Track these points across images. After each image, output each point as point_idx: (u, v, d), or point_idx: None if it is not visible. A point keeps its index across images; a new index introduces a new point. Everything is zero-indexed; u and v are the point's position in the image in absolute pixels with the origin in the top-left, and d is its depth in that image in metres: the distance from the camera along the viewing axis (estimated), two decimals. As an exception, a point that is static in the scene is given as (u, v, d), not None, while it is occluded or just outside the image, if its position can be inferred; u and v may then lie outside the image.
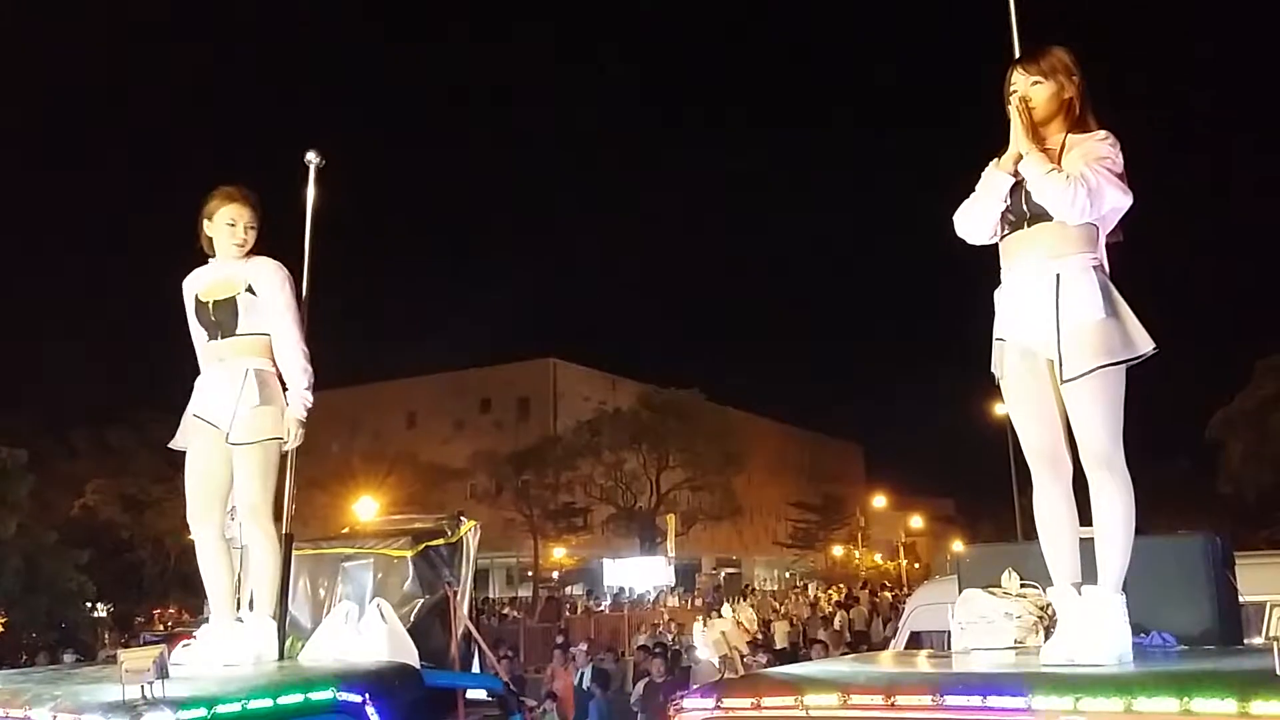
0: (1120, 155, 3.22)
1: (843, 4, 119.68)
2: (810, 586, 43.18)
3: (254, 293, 4.15)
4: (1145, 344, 3.16)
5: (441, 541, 4.52)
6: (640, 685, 12.31)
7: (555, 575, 45.04)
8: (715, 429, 43.69)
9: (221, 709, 2.95)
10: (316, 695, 3.27)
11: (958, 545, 35.32)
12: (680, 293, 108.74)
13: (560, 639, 17.59)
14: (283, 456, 4.20)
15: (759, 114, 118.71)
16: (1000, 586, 3.56)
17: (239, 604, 4.17)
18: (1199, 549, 3.50)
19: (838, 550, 58.18)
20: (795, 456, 66.87)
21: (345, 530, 5.68)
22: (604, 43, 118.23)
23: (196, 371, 4.27)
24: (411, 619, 4.28)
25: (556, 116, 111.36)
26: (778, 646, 17.24)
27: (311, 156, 4.59)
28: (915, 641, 6.41)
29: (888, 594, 33.40)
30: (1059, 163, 3.21)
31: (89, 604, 25.59)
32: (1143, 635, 3.24)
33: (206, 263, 4.31)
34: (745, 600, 30.51)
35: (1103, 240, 3.28)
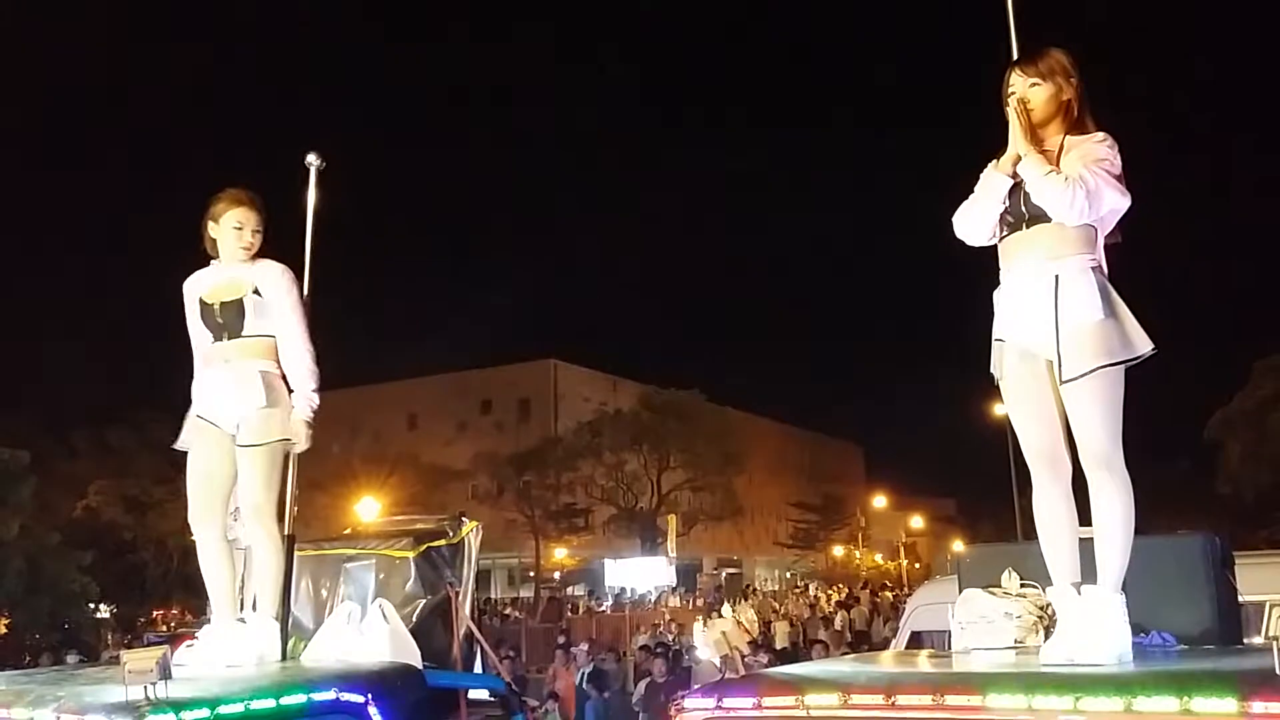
0: (1118, 157, 3.23)
1: (843, 4, 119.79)
2: (811, 586, 43.21)
3: (260, 295, 4.17)
4: (1144, 345, 3.17)
5: (443, 542, 4.53)
6: (642, 685, 12.33)
7: (557, 576, 45.06)
8: (716, 429, 43.69)
9: (224, 709, 2.96)
10: (319, 696, 3.28)
11: (958, 545, 35.36)
12: (680, 293, 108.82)
13: (562, 639, 17.60)
14: (286, 458, 4.21)
15: (759, 114, 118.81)
16: (1000, 586, 3.57)
17: (241, 604, 4.18)
18: (1198, 549, 3.51)
19: (838, 550, 58.17)
20: (795, 457, 66.86)
21: (347, 531, 5.69)
22: (604, 43, 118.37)
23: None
24: (414, 619, 4.28)
25: (556, 116, 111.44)
26: (778, 647, 17.25)
27: (312, 159, 4.60)
28: (916, 641, 6.41)
29: (889, 594, 33.41)
30: (1057, 164, 3.22)
31: (92, 605, 25.60)
32: (1142, 635, 3.24)
33: (208, 264, 4.32)
34: (746, 600, 30.51)
35: (1101, 241, 3.30)
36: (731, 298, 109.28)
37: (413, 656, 4.01)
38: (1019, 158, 3.27)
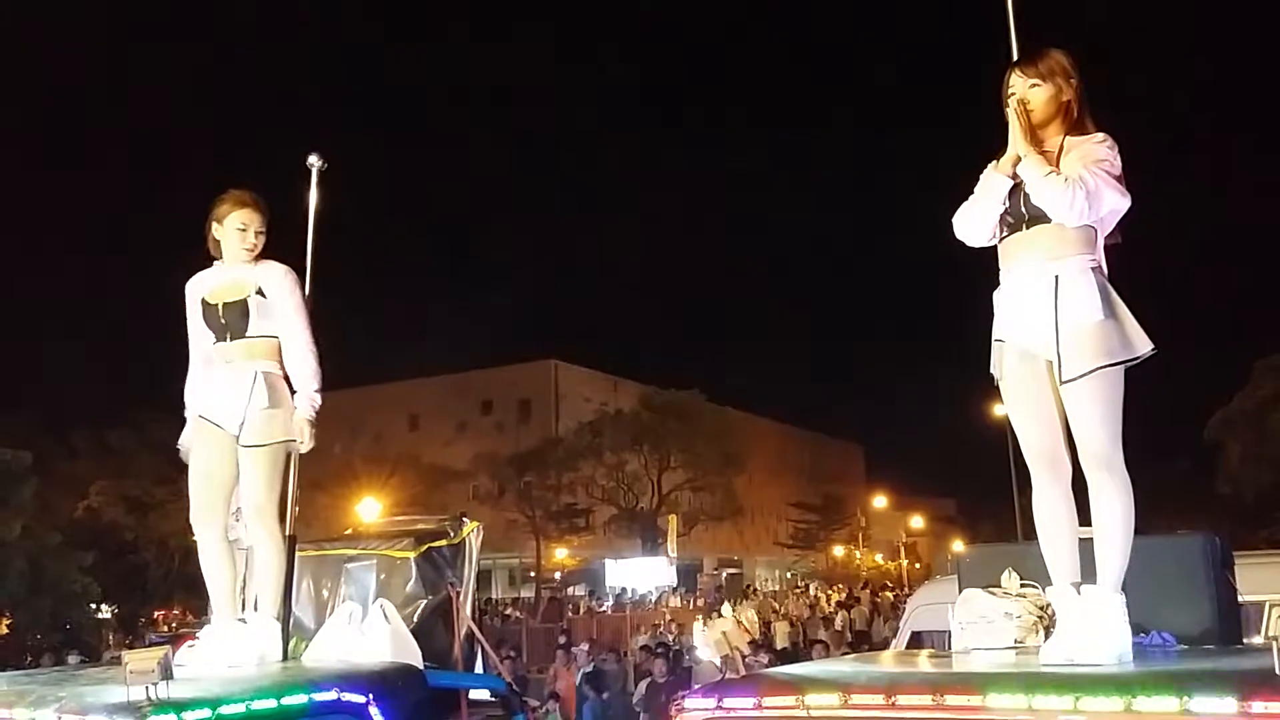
0: (1118, 157, 3.23)
1: (843, 4, 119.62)
2: (811, 587, 43.20)
3: (264, 295, 4.18)
4: (1144, 345, 3.18)
5: (444, 542, 4.53)
6: (642, 685, 12.34)
7: (557, 576, 45.04)
8: (716, 430, 43.69)
9: (226, 710, 2.97)
10: (320, 696, 3.28)
11: (958, 545, 35.35)
12: (680, 293, 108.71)
13: (563, 639, 17.60)
14: (288, 458, 4.22)
15: (759, 114, 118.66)
16: (1000, 586, 3.57)
17: (243, 605, 4.19)
18: (1198, 549, 3.51)
19: (839, 550, 58.15)
20: (796, 457, 66.86)
21: (348, 531, 5.70)
22: (604, 43, 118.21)
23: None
24: (414, 620, 4.29)
25: (556, 116, 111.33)
26: (778, 647, 17.24)
27: (314, 160, 4.61)
28: (916, 641, 6.42)
29: (889, 594, 33.41)
30: (1057, 165, 3.22)
31: (93, 606, 25.60)
32: (1142, 635, 3.25)
33: (210, 264, 4.33)
34: (746, 601, 30.50)
35: (1101, 242, 3.30)
36: (731, 298, 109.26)
37: (414, 657, 4.01)
38: (1019, 158, 3.27)
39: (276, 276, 4.24)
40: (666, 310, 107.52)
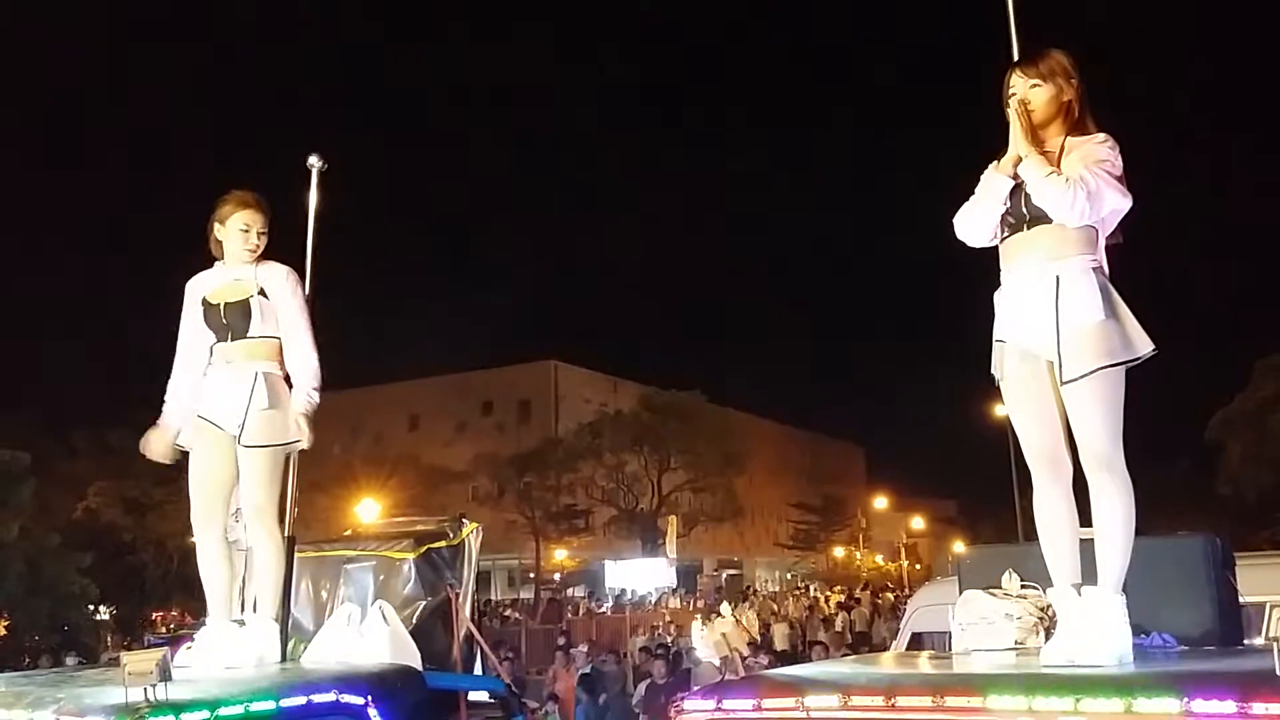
0: (1119, 158, 3.23)
1: (843, 4, 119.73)
2: (812, 587, 43.19)
3: (266, 296, 4.19)
4: (1145, 345, 3.17)
5: (443, 544, 4.53)
6: (642, 687, 12.33)
7: (557, 577, 45.02)
8: (716, 430, 43.69)
9: (224, 711, 2.97)
10: (319, 697, 3.28)
11: (959, 546, 35.35)
12: (680, 293, 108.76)
13: (562, 640, 17.59)
14: (287, 459, 4.22)
15: (759, 114, 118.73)
16: (1001, 588, 3.57)
17: (243, 606, 4.18)
18: (1199, 550, 3.51)
19: (839, 551, 58.16)
20: (796, 457, 66.86)
21: (347, 532, 5.70)
22: (604, 43, 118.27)
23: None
24: (414, 621, 4.29)
25: (556, 116, 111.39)
26: (778, 649, 17.23)
27: (314, 160, 4.61)
28: (916, 643, 6.41)
29: (890, 595, 33.39)
30: (1058, 165, 3.22)
31: (91, 607, 25.56)
32: (1143, 636, 3.24)
33: (211, 264, 4.33)
34: (746, 602, 30.48)
35: (1102, 242, 3.30)
36: (731, 298, 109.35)
37: (413, 658, 4.01)
38: (1020, 159, 3.27)
39: (279, 277, 4.25)
40: (666, 310, 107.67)
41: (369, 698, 3.36)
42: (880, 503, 60.79)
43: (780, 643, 18.82)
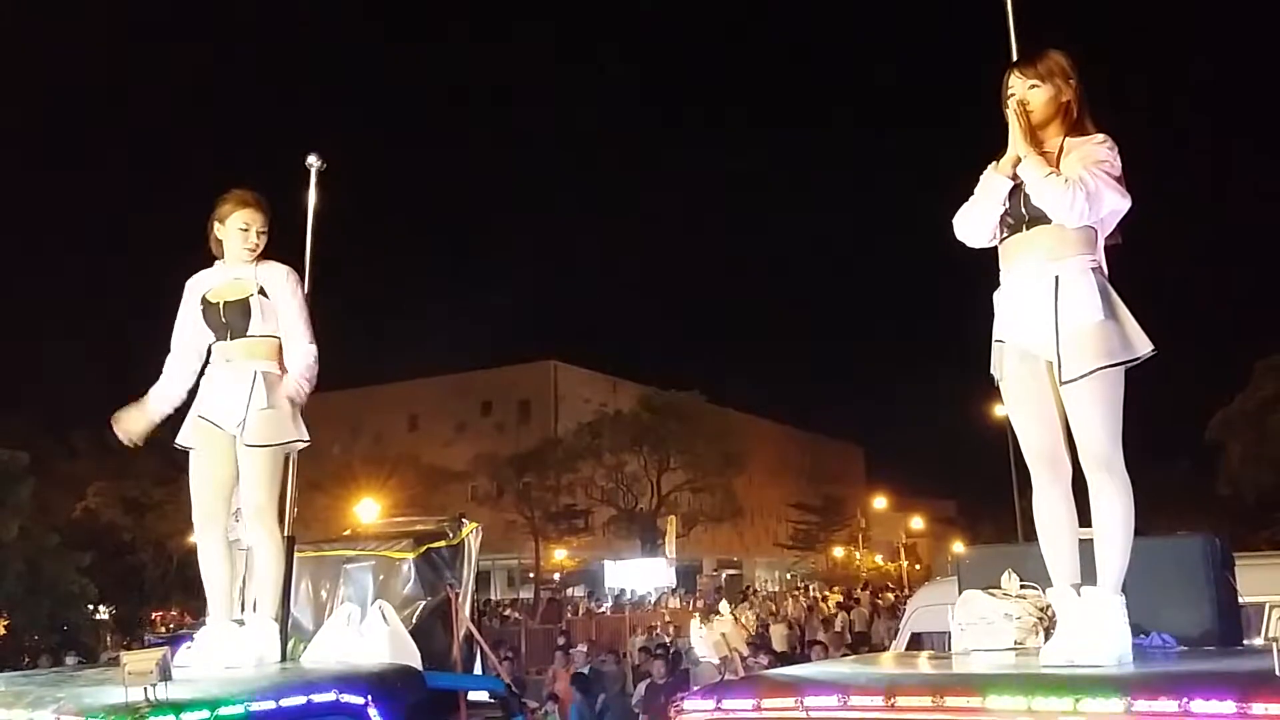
0: (1118, 158, 3.23)
1: (843, 4, 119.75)
2: (812, 588, 43.18)
3: (266, 295, 4.19)
4: (1144, 346, 3.17)
5: (443, 543, 4.53)
6: (641, 687, 12.33)
7: (556, 577, 45.03)
8: (716, 430, 43.69)
9: (224, 711, 2.96)
10: (319, 697, 3.28)
11: (958, 546, 35.33)
12: (680, 293, 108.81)
13: (562, 640, 17.59)
14: (287, 459, 4.22)
15: (759, 114, 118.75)
16: (1000, 588, 3.57)
17: (243, 606, 4.18)
18: (1198, 550, 3.51)
19: (838, 551, 58.17)
20: (795, 458, 66.86)
21: (347, 532, 5.70)
22: (604, 43, 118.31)
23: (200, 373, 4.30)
24: (413, 621, 4.29)
25: (556, 116, 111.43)
26: (776, 649, 17.20)
27: (313, 160, 4.62)
28: (916, 643, 6.42)
29: (889, 595, 33.38)
30: (1057, 166, 3.22)
31: (90, 607, 25.56)
32: (1142, 636, 3.24)
33: (211, 264, 4.33)
34: (745, 602, 30.47)
35: (1101, 242, 3.30)
36: (731, 298, 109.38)
37: (412, 658, 4.01)
38: (1019, 159, 3.27)
39: (279, 277, 4.25)
40: (666, 310, 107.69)
41: (369, 698, 3.36)
42: (880, 503, 60.78)
43: (779, 643, 18.80)
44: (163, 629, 25.92)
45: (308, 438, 4.24)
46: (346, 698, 3.33)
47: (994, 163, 3.37)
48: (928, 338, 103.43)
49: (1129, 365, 3.16)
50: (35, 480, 22.11)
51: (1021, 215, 3.29)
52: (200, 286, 4.29)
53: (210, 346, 4.25)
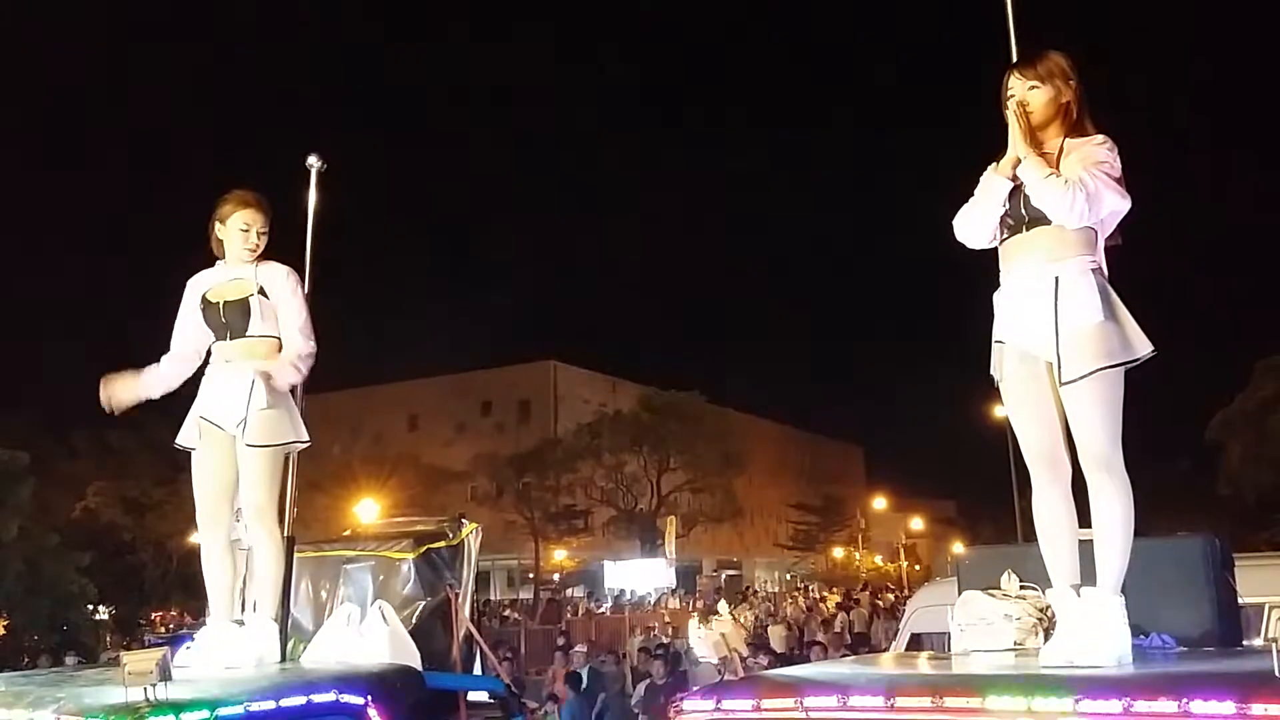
0: (1118, 159, 3.23)
1: (843, 4, 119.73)
2: (811, 588, 43.17)
3: (266, 295, 4.19)
4: (1144, 346, 3.17)
5: (443, 544, 4.53)
6: (641, 687, 12.32)
7: (556, 577, 45.03)
8: (716, 431, 43.68)
9: (224, 711, 2.96)
10: (318, 697, 3.28)
11: (958, 547, 35.32)
12: (680, 293, 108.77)
13: (561, 641, 17.58)
14: (287, 459, 4.22)
15: (759, 114, 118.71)
16: (1000, 588, 3.57)
17: (242, 606, 4.18)
18: (1198, 551, 3.51)
19: (838, 552, 58.16)
20: (795, 458, 66.86)
21: (347, 533, 5.70)
22: (604, 43, 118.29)
23: (200, 374, 4.30)
24: (413, 621, 4.29)
25: (556, 116, 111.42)
26: (776, 650, 17.20)
27: (313, 160, 4.62)
28: (915, 643, 6.42)
29: (889, 595, 33.37)
30: (1057, 167, 3.22)
31: (90, 606, 25.56)
32: (1142, 637, 3.24)
33: (212, 263, 4.34)
34: (745, 603, 30.47)
35: (1101, 243, 3.30)
36: (731, 298, 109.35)
37: (412, 658, 4.01)
38: (1019, 160, 3.27)
39: (279, 277, 4.25)
40: (666, 310, 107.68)
41: (369, 698, 3.37)
42: (879, 503, 60.77)
43: (777, 644, 18.79)
44: (163, 629, 25.93)
45: (308, 438, 4.25)
46: (346, 698, 3.33)
47: (994, 164, 3.37)
48: (928, 338, 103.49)
49: (1129, 366, 3.16)
50: (35, 480, 22.11)
51: (1021, 216, 3.29)
52: (200, 286, 4.30)
53: (210, 347, 4.26)
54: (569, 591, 41.49)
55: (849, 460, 73.88)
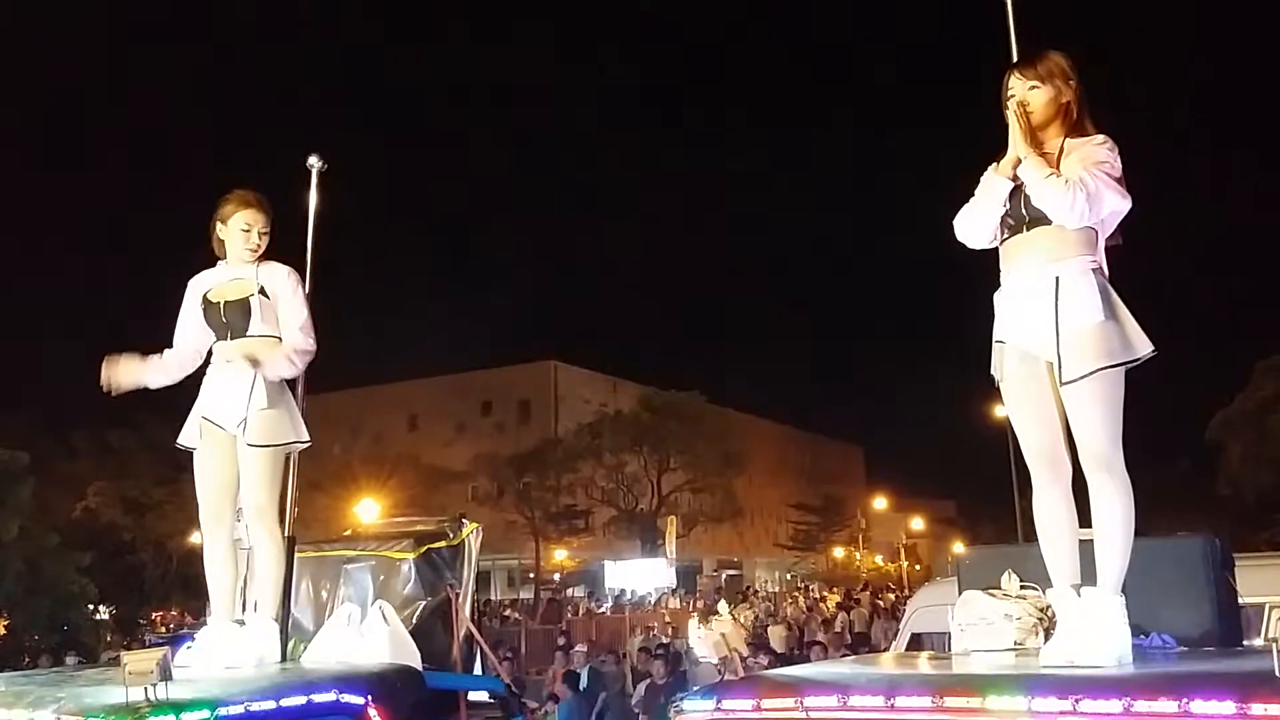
0: (1119, 159, 3.23)
1: (843, 4, 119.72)
2: (812, 588, 43.18)
3: (266, 295, 4.19)
4: (1144, 346, 3.17)
5: (443, 544, 4.54)
6: (641, 687, 12.32)
7: (556, 577, 45.04)
8: (716, 431, 43.69)
9: (224, 711, 2.96)
10: (319, 697, 3.28)
11: (958, 547, 35.32)
12: (680, 293, 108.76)
13: (562, 641, 17.58)
14: (287, 459, 4.22)
15: (759, 114, 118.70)
16: (1000, 588, 3.57)
17: (242, 606, 4.18)
18: (1198, 551, 3.51)
19: (839, 552, 58.16)
20: (795, 458, 66.86)
21: (347, 532, 5.71)
22: (604, 43, 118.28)
23: (200, 373, 4.30)
24: (413, 621, 4.29)
25: (556, 116, 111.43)
26: (776, 651, 17.19)
27: (314, 161, 4.62)
28: (916, 643, 6.42)
29: (890, 595, 33.38)
30: (1057, 167, 3.22)
31: (91, 606, 25.56)
32: (1142, 637, 3.24)
33: (214, 263, 4.34)
34: (745, 603, 30.47)
35: (1102, 243, 3.30)
36: (731, 298, 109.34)
37: (412, 658, 4.01)
38: (1019, 160, 3.27)
39: (280, 276, 4.26)
40: (666, 310, 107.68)
41: (369, 697, 3.37)
42: (880, 503, 60.77)
43: (776, 645, 18.79)
44: (163, 629, 25.92)
45: (308, 438, 4.25)
46: (346, 698, 3.33)
47: (994, 164, 3.37)
48: (928, 338, 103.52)
49: (1129, 366, 3.16)
50: (35, 480, 22.11)
51: (1022, 216, 3.29)
52: (201, 286, 4.30)
53: (212, 347, 4.26)
54: (569, 591, 41.50)
55: (849, 460, 73.88)
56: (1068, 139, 3.31)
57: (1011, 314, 3.33)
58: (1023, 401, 3.34)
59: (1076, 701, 2.45)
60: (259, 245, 4.24)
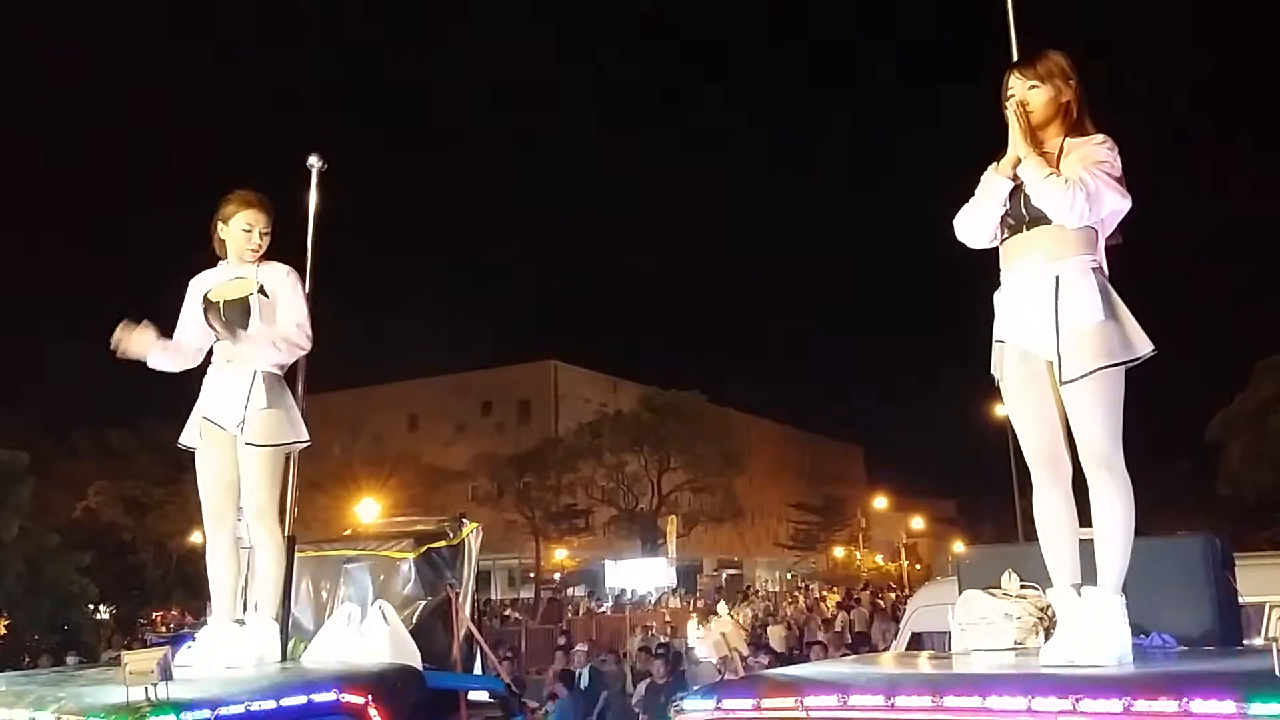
0: (1119, 158, 3.23)
1: (843, 4, 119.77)
2: (812, 587, 43.19)
3: (266, 295, 4.19)
4: (1144, 346, 3.17)
5: (443, 543, 4.53)
6: (641, 687, 12.33)
7: (557, 577, 45.04)
8: (716, 430, 43.71)
9: (224, 711, 2.96)
10: (319, 697, 3.28)
11: (959, 546, 35.33)
12: (680, 293, 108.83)
13: (562, 640, 17.58)
14: (287, 459, 4.23)
15: (759, 114, 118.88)
16: (1000, 588, 3.57)
17: (243, 606, 4.18)
18: (1199, 550, 3.51)
19: (839, 552, 58.16)
20: (796, 458, 66.87)
21: (347, 532, 5.70)
22: (604, 43, 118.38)
23: (201, 373, 4.30)
24: (414, 620, 4.29)
25: (556, 116, 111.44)
26: (776, 650, 17.19)
27: (314, 161, 4.62)
28: (916, 643, 6.42)
29: (890, 595, 33.38)
30: (1057, 166, 3.22)
31: (91, 606, 25.55)
32: (1142, 636, 3.24)
33: (215, 263, 4.34)
34: (745, 602, 30.47)
35: (1102, 243, 3.30)
36: (731, 298, 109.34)
37: (413, 658, 4.01)
38: (1019, 160, 3.27)
39: (279, 275, 4.26)
40: (666, 310, 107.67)
41: (369, 697, 3.36)
42: (880, 503, 60.77)
43: (776, 645, 18.79)
44: (164, 629, 25.92)
45: (308, 438, 4.25)
46: (347, 697, 3.33)
47: (994, 163, 3.37)
48: (928, 338, 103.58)
49: (1129, 365, 3.16)
50: (35, 480, 22.10)
51: (1022, 216, 3.29)
52: (202, 285, 4.31)
53: (212, 346, 4.26)
54: (570, 591, 41.50)
55: (849, 460, 73.88)
56: (1068, 138, 3.31)
57: (1011, 313, 3.33)
58: (1023, 401, 3.34)
59: (1076, 701, 2.44)
60: (260, 245, 4.24)
